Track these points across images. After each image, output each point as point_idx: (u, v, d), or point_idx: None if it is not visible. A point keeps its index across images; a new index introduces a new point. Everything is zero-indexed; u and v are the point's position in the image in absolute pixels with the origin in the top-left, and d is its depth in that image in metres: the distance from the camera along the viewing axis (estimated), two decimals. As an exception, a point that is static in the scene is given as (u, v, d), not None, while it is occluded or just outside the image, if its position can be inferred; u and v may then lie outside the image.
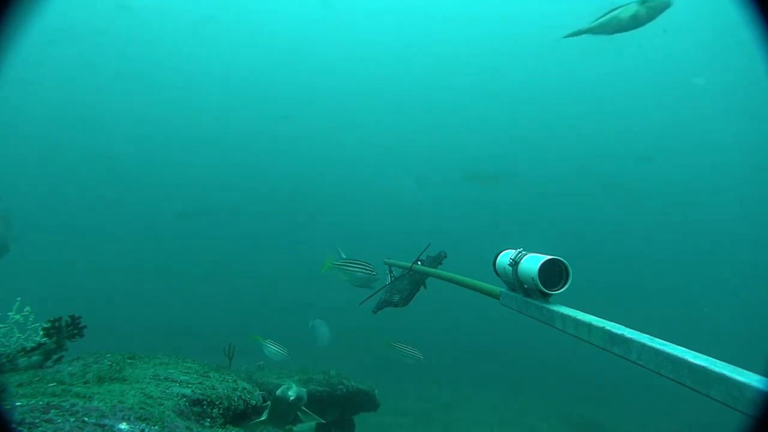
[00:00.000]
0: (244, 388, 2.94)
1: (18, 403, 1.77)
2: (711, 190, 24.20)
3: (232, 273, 19.89)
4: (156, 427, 1.88)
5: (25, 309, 3.02)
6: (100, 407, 1.88)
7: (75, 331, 3.10)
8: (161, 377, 2.63)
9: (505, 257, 1.79)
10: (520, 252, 1.72)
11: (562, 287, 1.59)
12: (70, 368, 2.63)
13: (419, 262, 3.83)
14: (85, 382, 2.35)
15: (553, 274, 1.59)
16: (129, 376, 2.56)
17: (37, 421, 1.64)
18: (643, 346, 1.11)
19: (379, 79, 25.73)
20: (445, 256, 4.06)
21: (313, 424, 3.55)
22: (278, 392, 3.33)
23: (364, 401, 4.94)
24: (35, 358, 2.81)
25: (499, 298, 1.92)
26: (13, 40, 1.40)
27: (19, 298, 3.05)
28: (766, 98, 18.15)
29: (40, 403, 1.80)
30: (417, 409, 9.49)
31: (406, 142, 26.43)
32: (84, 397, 2.02)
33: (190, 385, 2.57)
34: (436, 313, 13.83)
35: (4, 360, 2.71)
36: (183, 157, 24.79)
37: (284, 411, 3.33)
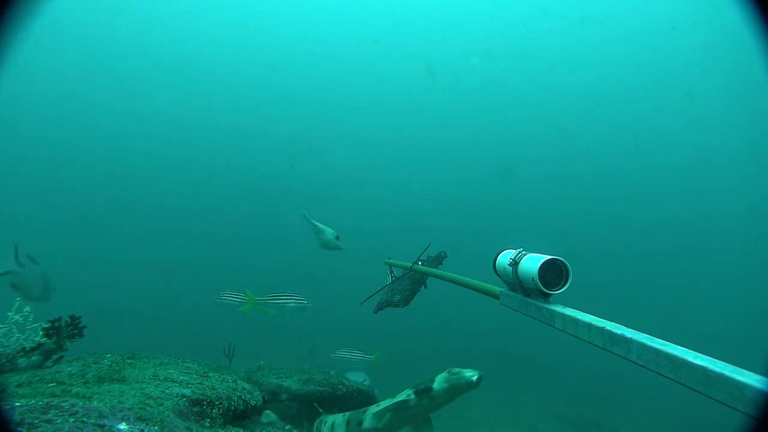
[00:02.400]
0: (244, 388, 2.94)
1: (18, 403, 1.77)
2: (710, 190, 24.21)
3: (233, 272, 19.88)
4: (156, 428, 1.88)
5: (25, 309, 3.02)
6: (100, 407, 1.87)
7: (74, 331, 3.10)
8: (161, 377, 2.63)
9: (505, 257, 1.78)
10: (520, 252, 1.72)
11: (562, 287, 1.59)
12: (69, 368, 2.63)
13: (420, 262, 3.83)
14: (85, 383, 2.35)
15: (553, 274, 1.59)
16: (129, 376, 2.56)
17: (36, 421, 1.64)
18: (643, 346, 1.11)
19: (380, 78, 25.75)
20: (446, 256, 4.07)
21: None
22: (449, 377, 3.06)
23: (364, 401, 4.93)
24: (35, 358, 2.81)
25: (499, 298, 1.92)
26: (13, 40, 1.40)
27: (19, 298, 3.05)
28: (766, 98, 18.16)
29: (40, 403, 1.80)
30: (417, 409, 9.46)
31: (406, 141, 26.45)
32: (83, 397, 2.01)
33: (189, 386, 2.57)
34: (436, 313, 13.84)
35: (4, 360, 2.71)
36: (182, 156, 24.81)
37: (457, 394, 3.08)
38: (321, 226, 5.12)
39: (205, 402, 2.50)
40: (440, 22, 23.86)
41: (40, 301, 4.17)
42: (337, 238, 5.17)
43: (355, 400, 4.80)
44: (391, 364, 11.73)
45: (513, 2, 22.68)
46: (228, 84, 24.85)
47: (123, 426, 1.79)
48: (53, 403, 1.82)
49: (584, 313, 1.43)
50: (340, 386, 4.65)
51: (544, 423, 9.70)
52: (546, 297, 1.61)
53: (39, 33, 16.70)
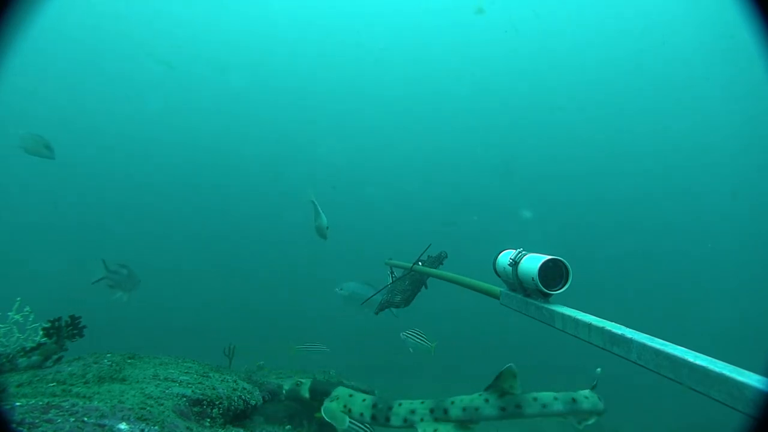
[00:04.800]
0: (244, 388, 2.94)
1: (18, 403, 1.77)
2: (711, 190, 24.21)
3: (233, 273, 19.89)
4: (156, 427, 1.88)
5: (25, 309, 3.01)
6: (100, 407, 1.88)
7: (75, 331, 3.10)
8: (161, 377, 2.63)
9: (505, 257, 1.79)
10: (520, 252, 1.72)
11: (563, 287, 1.60)
12: (70, 368, 2.63)
13: (420, 263, 3.84)
14: (85, 382, 2.35)
15: (553, 274, 1.60)
16: (129, 376, 2.56)
17: (37, 421, 1.64)
18: (643, 346, 1.11)
19: (381, 80, 25.76)
20: (446, 257, 4.07)
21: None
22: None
23: (365, 401, 4.94)
24: (35, 358, 2.81)
25: (499, 298, 1.92)
26: (12, 41, 1.40)
27: (19, 298, 3.04)
28: (766, 97, 18.16)
29: (40, 403, 1.80)
30: (417, 409, 9.44)
31: (406, 141, 26.46)
32: (84, 397, 2.02)
33: (190, 385, 2.57)
34: (435, 313, 13.82)
35: (4, 360, 2.71)
36: (182, 157, 24.82)
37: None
38: (322, 213, 5.94)
39: (205, 402, 2.50)
40: (438, 22, 23.87)
41: (131, 291, 6.43)
42: (327, 228, 5.88)
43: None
44: (389, 365, 11.76)
45: (513, 2, 22.68)
46: (226, 86, 24.87)
47: (123, 426, 1.80)
48: (54, 403, 1.82)
49: (584, 313, 1.43)
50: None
51: (544, 423, 9.70)
52: (546, 297, 1.61)
53: (36, 35, 16.72)
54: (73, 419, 1.71)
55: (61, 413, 1.74)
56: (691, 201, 24.60)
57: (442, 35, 24.21)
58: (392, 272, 4.20)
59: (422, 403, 3.07)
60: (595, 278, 17.32)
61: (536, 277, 1.58)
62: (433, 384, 11.15)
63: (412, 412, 3.03)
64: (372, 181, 25.90)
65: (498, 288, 1.95)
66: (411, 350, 5.87)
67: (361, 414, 3.10)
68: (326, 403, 3.24)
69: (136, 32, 22.32)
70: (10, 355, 2.76)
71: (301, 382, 3.48)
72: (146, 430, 1.83)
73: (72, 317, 3.12)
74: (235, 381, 2.97)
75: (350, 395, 3.22)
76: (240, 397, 2.78)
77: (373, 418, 3.07)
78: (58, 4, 18.07)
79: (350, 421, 3.10)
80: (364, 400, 3.16)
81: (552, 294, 1.60)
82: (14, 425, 1.57)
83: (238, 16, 23.51)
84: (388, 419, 3.03)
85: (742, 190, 22.14)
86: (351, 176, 25.90)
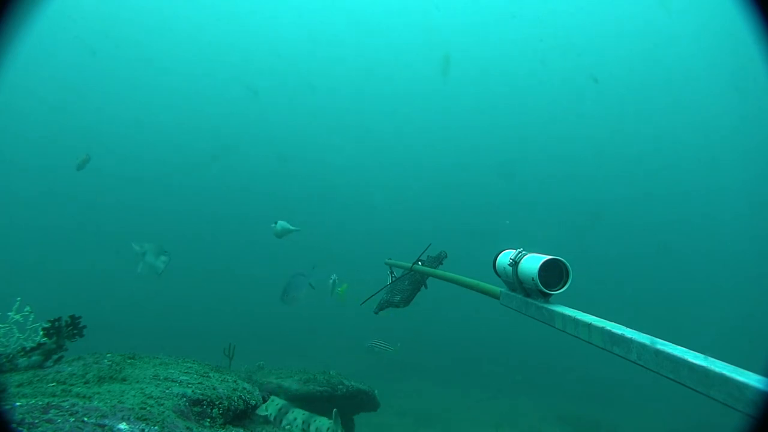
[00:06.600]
0: (244, 388, 2.94)
1: (18, 403, 1.77)
2: (712, 190, 24.19)
3: (233, 274, 19.89)
4: (156, 427, 1.88)
5: (25, 309, 3.01)
6: (100, 407, 1.87)
7: (75, 331, 3.10)
8: (161, 377, 2.63)
9: (505, 257, 1.78)
10: (520, 252, 1.72)
11: (562, 287, 1.59)
12: (70, 368, 2.63)
13: (420, 263, 3.83)
14: (86, 383, 2.35)
15: (553, 274, 1.59)
16: (129, 376, 2.56)
17: (37, 421, 1.64)
18: (643, 346, 1.11)
19: (381, 82, 25.75)
20: (446, 256, 4.06)
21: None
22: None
23: (365, 401, 4.94)
24: (35, 358, 2.81)
25: (499, 298, 1.92)
26: (12, 41, 1.40)
27: (19, 298, 3.04)
28: (766, 97, 18.16)
29: (40, 403, 1.80)
30: (417, 409, 9.49)
31: (406, 142, 26.45)
32: (84, 397, 2.01)
33: (190, 385, 2.57)
34: (436, 314, 13.83)
35: (4, 360, 2.71)
36: (183, 159, 24.81)
37: None
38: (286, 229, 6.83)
39: (205, 402, 2.50)
40: (435, 22, 23.86)
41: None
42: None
43: (357, 399, 4.81)
44: (388, 365, 11.74)
45: (515, 3, 22.67)
46: (226, 89, 24.87)
47: (123, 426, 1.79)
48: (54, 403, 1.82)
49: (584, 313, 1.43)
50: (341, 386, 4.66)
51: (543, 423, 9.70)
52: (546, 297, 1.61)
53: (36, 36, 16.73)
54: (73, 419, 1.71)
55: (61, 413, 1.74)
56: (691, 202, 24.60)
57: (469, 36, 24.14)
58: (392, 272, 4.19)
59: (303, 413, 3.90)
60: (596, 279, 17.33)
61: (536, 277, 1.58)
62: (432, 385, 11.15)
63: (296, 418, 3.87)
64: (377, 185, 25.91)
65: (498, 288, 1.95)
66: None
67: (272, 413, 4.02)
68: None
69: (145, 36, 22.35)
70: (10, 355, 2.75)
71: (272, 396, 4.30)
72: (146, 430, 1.83)
73: (72, 317, 3.11)
74: (235, 381, 2.96)
75: (272, 399, 4.16)
76: (240, 397, 2.78)
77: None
78: (59, 9, 18.10)
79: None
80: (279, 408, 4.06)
81: (552, 294, 1.60)
82: (14, 425, 1.57)
83: (246, 21, 23.53)
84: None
85: (744, 190, 22.14)
86: (351, 178, 25.88)
